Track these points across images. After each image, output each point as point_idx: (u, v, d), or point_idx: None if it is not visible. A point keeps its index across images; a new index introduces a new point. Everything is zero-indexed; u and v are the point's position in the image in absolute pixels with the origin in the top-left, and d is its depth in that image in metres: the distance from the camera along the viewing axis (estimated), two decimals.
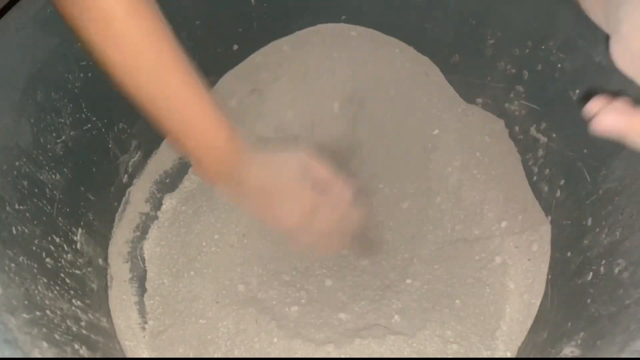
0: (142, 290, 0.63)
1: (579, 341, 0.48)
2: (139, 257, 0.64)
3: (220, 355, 0.56)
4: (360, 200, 0.52)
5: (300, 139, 0.71)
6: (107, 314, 0.58)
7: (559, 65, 0.58)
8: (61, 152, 0.54)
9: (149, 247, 0.65)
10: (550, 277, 0.59)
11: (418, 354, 0.55)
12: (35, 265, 0.47)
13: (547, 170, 0.62)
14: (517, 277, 0.60)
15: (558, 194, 0.60)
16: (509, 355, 0.57)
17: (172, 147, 0.45)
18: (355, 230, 0.54)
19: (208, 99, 0.44)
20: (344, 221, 0.52)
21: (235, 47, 0.70)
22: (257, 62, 0.72)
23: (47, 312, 0.45)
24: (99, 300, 0.58)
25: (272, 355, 0.55)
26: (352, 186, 0.51)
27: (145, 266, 0.64)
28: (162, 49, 0.41)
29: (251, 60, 0.72)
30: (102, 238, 0.62)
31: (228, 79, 0.71)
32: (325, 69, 0.73)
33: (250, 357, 0.55)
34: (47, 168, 0.52)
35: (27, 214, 0.49)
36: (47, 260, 0.50)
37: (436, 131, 0.70)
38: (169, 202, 0.68)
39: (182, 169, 0.70)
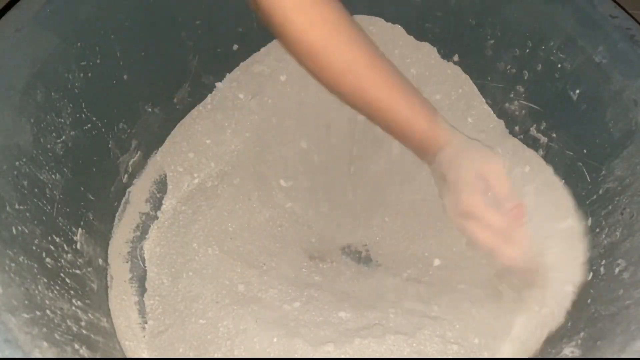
0: (142, 290, 0.62)
1: (579, 341, 0.48)
2: (139, 257, 0.64)
3: (220, 355, 0.56)
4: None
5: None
6: (107, 314, 0.58)
7: (559, 65, 0.58)
8: (61, 152, 0.54)
9: (149, 247, 0.65)
10: None
11: (418, 354, 0.55)
12: (35, 265, 0.47)
13: None
14: None
15: None
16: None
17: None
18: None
19: (407, 92, 0.51)
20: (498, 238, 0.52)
21: (235, 47, 0.70)
22: (258, 62, 0.72)
23: (47, 312, 0.45)
24: (99, 300, 0.58)
25: (272, 355, 0.55)
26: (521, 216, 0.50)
27: (145, 266, 0.64)
28: (360, 74, 0.49)
29: (251, 60, 0.72)
30: (102, 238, 0.62)
31: (228, 80, 0.71)
32: None
33: (250, 357, 0.55)
34: (47, 168, 0.52)
35: (27, 214, 0.49)
36: (47, 260, 0.50)
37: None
38: (169, 202, 0.68)
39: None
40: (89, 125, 0.58)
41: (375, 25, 0.71)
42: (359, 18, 0.71)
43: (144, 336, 0.59)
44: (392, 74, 0.50)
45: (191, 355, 0.56)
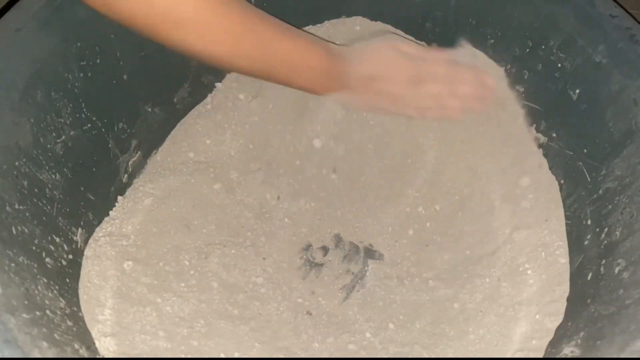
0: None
1: (579, 341, 0.48)
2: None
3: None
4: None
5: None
6: None
7: (559, 65, 0.58)
8: (61, 152, 0.54)
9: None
10: None
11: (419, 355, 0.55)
12: (35, 265, 0.47)
13: None
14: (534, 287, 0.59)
15: None
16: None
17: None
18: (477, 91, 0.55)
19: (293, 34, 0.51)
20: (455, 82, 0.56)
21: None
22: None
23: (47, 312, 0.45)
24: None
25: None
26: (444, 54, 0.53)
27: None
28: (259, 31, 0.48)
29: None
30: None
31: (228, 80, 0.71)
32: None
33: (249, 357, 0.55)
34: (47, 168, 0.52)
35: (27, 214, 0.49)
36: (47, 260, 0.50)
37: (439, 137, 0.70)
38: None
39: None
40: (89, 125, 0.58)
41: (376, 26, 0.71)
42: (359, 19, 0.71)
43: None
44: (284, 25, 0.51)
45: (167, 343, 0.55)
